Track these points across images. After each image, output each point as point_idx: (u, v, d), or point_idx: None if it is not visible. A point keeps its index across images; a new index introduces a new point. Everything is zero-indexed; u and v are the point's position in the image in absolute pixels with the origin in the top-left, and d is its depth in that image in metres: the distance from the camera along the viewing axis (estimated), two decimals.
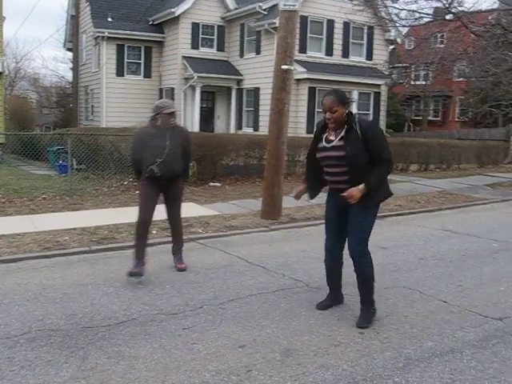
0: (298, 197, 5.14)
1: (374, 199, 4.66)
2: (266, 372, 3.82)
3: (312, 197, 5.10)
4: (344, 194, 4.56)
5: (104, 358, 4.01)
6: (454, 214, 10.77)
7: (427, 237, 8.15)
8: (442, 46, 23.96)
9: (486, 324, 4.81)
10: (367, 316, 4.81)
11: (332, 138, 4.74)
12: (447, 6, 17.06)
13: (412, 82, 34.21)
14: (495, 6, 18.90)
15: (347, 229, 4.80)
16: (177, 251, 6.54)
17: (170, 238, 7.78)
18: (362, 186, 4.52)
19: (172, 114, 5.95)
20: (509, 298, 5.52)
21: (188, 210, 10.04)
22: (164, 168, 5.92)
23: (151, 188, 6.05)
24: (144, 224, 6.09)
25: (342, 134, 4.65)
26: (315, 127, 5.10)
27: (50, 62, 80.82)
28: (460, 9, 17.57)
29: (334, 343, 4.35)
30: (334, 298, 5.22)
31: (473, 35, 20.21)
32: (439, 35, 25.48)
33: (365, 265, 4.80)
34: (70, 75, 36.45)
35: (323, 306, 5.15)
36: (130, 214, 9.26)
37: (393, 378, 3.78)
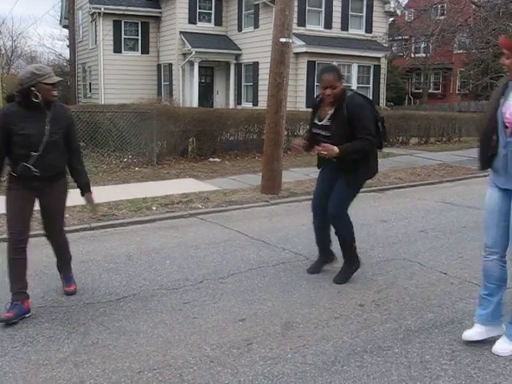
0: (297, 146, 5.39)
1: (358, 176, 4.93)
2: (266, 345, 3.84)
3: (319, 166, 5.33)
4: (320, 147, 4.75)
5: (105, 333, 4.03)
6: (455, 186, 10.74)
7: (427, 209, 8.14)
8: (443, 17, 23.67)
9: None
10: (345, 273, 5.14)
11: (323, 114, 4.90)
12: None
13: (412, 55, 33.94)
14: None
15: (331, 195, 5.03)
16: (63, 269, 4.88)
17: (170, 214, 7.82)
18: (337, 147, 4.66)
19: (55, 86, 4.27)
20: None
21: (188, 185, 10.06)
22: (42, 164, 4.25)
23: (23, 194, 4.30)
24: (18, 244, 4.29)
25: (331, 112, 4.81)
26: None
27: (46, 39, 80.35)
28: None
29: (335, 315, 4.36)
30: (324, 257, 5.44)
31: (473, 6, 19.99)
32: (439, 6, 25.20)
33: (340, 227, 5.07)
34: (67, 53, 36.14)
35: (313, 268, 5.40)
36: (129, 191, 9.28)
37: (393, 349, 3.80)
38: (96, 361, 3.62)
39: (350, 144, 4.70)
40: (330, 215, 5.03)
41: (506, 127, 3.53)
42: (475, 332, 3.89)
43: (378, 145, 4.98)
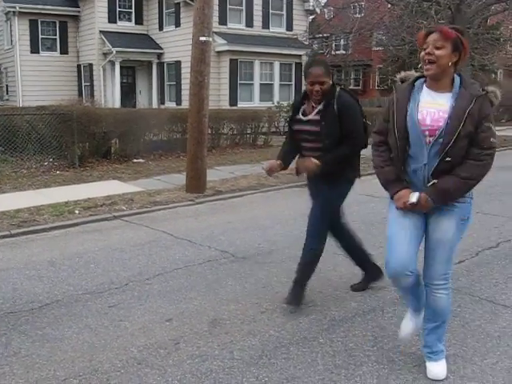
0: (270, 172, 4.60)
1: (340, 177, 4.43)
2: (193, 343, 3.85)
3: (285, 164, 4.65)
4: (298, 163, 4.43)
5: (28, 342, 3.92)
6: (374, 179, 11.04)
7: (349, 202, 8.32)
8: (360, 15, 24.32)
9: None
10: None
11: (309, 110, 4.40)
12: None
13: (333, 52, 34.65)
14: None
15: None
16: None
17: (94, 217, 7.67)
18: (318, 161, 4.26)
19: None
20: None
21: (111, 187, 9.90)
22: None
23: None
24: None
25: (320, 107, 4.32)
26: (293, 99, 4.82)
27: None
28: None
29: (261, 310, 4.42)
30: (369, 272, 4.93)
31: (389, 4, 20.64)
32: (357, 4, 25.86)
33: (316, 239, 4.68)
34: None
35: (357, 286, 4.95)
36: (51, 195, 9.04)
37: (317, 339, 3.90)
38: (19, 371, 3.51)
39: (331, 155, 4.28)
40: (309, 222, 4.60)
41: (426, 136, 3.12)
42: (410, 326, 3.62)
43: (363, 144, 4.51)
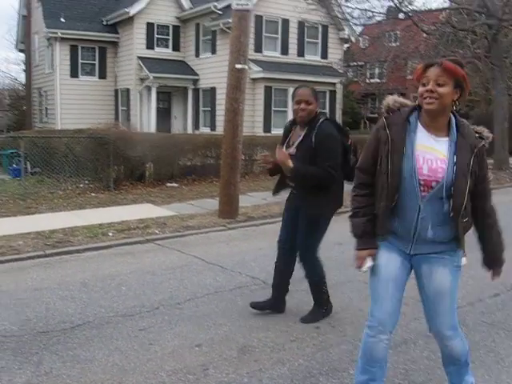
0: (264, 159, 4.77)
1: (321, 211, 4.60)
2: (222, 370, 3.84)
3: (274, 192, 4.97)
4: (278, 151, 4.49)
5: (59, 362, 3.96)
6: None
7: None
8: (395, 44, 24.35)
9: None
10: (314, 315, 4.84)
11: (292, 141, 4.63)
12: (398, 5, 17.38)
13: (367, 80, 34.69)
14: (445, 5, 19.30)
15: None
16: None
17: (127, 239, 7.75)
18: (292, 163, 4.41)
19: None
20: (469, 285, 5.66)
21: (145, 210, 10.01)
22: None
23: None
24: None
25: (300, 139, 4.53)
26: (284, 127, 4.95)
27: (1, 63, 79.01)
28: (411, 8, 17.93)
29: (291, 339, 4.40)
30: (272, 302, 5.02)
31: (424, 34, 20.62)
32: (392, 34, 25.91)
33: (307, 270, 4.85)
34: (22, 77, 35.68)
35: (256, 304, 4.98)
36: (85, 217, 9.17)
37: (347, 370, 3.85)
38: None
39: (304, 166, 4.44)
40: (298, 257, 4.81)
41: (421, 186, 2.85)
42: None
43: (346, 176, 4.61)
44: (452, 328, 3.12)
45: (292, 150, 4.57)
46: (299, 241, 4.73)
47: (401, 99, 3.05)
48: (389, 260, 3.05)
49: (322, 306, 4.88)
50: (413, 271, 3.14)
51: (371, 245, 3.08)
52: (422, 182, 2.84)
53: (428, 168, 2.83)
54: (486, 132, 2.98)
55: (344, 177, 4.62)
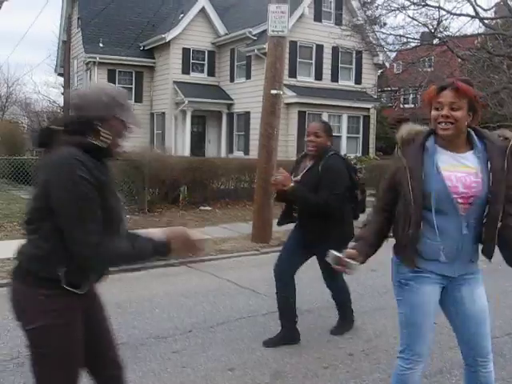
0: (276, 181, 4.58)
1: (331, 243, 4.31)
2: None
3: (280, 223, 5.17)
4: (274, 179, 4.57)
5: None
6: None
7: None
8: (430, 69, 24.26)
9: None
10: (342, 326, 5.15)
11: (300, 170, 4.75)
12: (433, 31, 17.35)
13: (401, 106, 34.54)
14: (481, 30, 19.17)
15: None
16: None
17: (161, 262, 7.81)
18: (292, 184, 4.48)
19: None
20: (505, 315, 5.56)
21: None
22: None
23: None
24: None
25: (307, 168, 4.67)
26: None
27: (41, 86, 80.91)
28: (445, 34, 17.87)
29: (324, 365, 4.37)
30: (286, 331, 4.88)
31: (459, 59, 20.53)
32: (426, 59, 25.81)
33: (336, 293, 5.18)
34: (61, 100, 36.64)
35: (269, 342, 4.83)
36: None
37: None
38: None
39: (304, 189, 4.52)
40: (328, 287, 5.15)
41: (460, 204, 2.77)
42: None
43: (354, 215, 4.80)
44: (490, 352, 3.01)
45: (297, 177, 4.68)
46: (326, 282, 5.10)
47: (416, 127, 3.01)
48: (430, 295, 2.96)
49: (348, 320, 5.18)
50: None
51: (359, 247, 2.98)
52: (459, 200, 2.76)
53: (462, 185, 2.76)
54: (508, 133, 2.92)
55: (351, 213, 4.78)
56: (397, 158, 2.97)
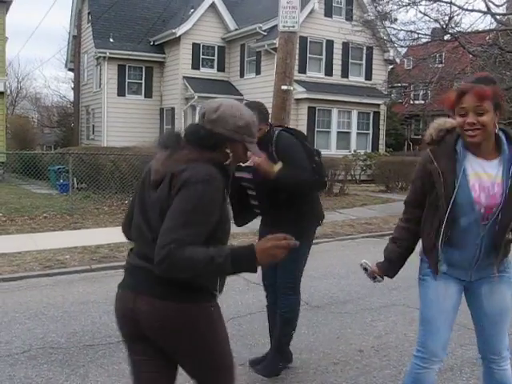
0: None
1: (302, 229, 3.80)
2: None
3: (239, 223, 4.06)
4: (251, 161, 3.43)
5: (104, 375, 4.03)
6: None
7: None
8: (441, 65, 24.14)
9: None
10: (271, 366, 4.10)
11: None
12: (444, 26, 17.26)
13: (411, 102, 34.39)
14: (492, 26, 19.04)
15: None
16: None
17: None
18: (274, 165, 3.68)
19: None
20: None
21: None
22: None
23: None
24: None
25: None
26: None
27: (51, 81, 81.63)
28: (457, 29, 17.78)
29: (334, 361, 4.37)
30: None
31: (470, 55, 20.41)
32: (437, 55, 25.69)
33: (287, 305, 4.11)
34: (71, 95, 36.79)
35: (254, 361, 4.24)
36: None
37: None
38: None
39: (290, 169, 3.69)
40: (279, 289, 4.05)
41: (482, 214, 2.70)
42: None
43: (319, 184, 4.03)
44: (508, 348, 2.98)
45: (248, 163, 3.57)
46: (279, 272, 4.01)
47: (450, 121, 2.79)
48: (447, 291, 2.90)
49: (280, 355, 4.14)
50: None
51: (383, 268, 3.18)
52: (482, 211, 2.68)
53: (485, 196, 2.67)
54: None
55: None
56: (427, 159, 2.82)
